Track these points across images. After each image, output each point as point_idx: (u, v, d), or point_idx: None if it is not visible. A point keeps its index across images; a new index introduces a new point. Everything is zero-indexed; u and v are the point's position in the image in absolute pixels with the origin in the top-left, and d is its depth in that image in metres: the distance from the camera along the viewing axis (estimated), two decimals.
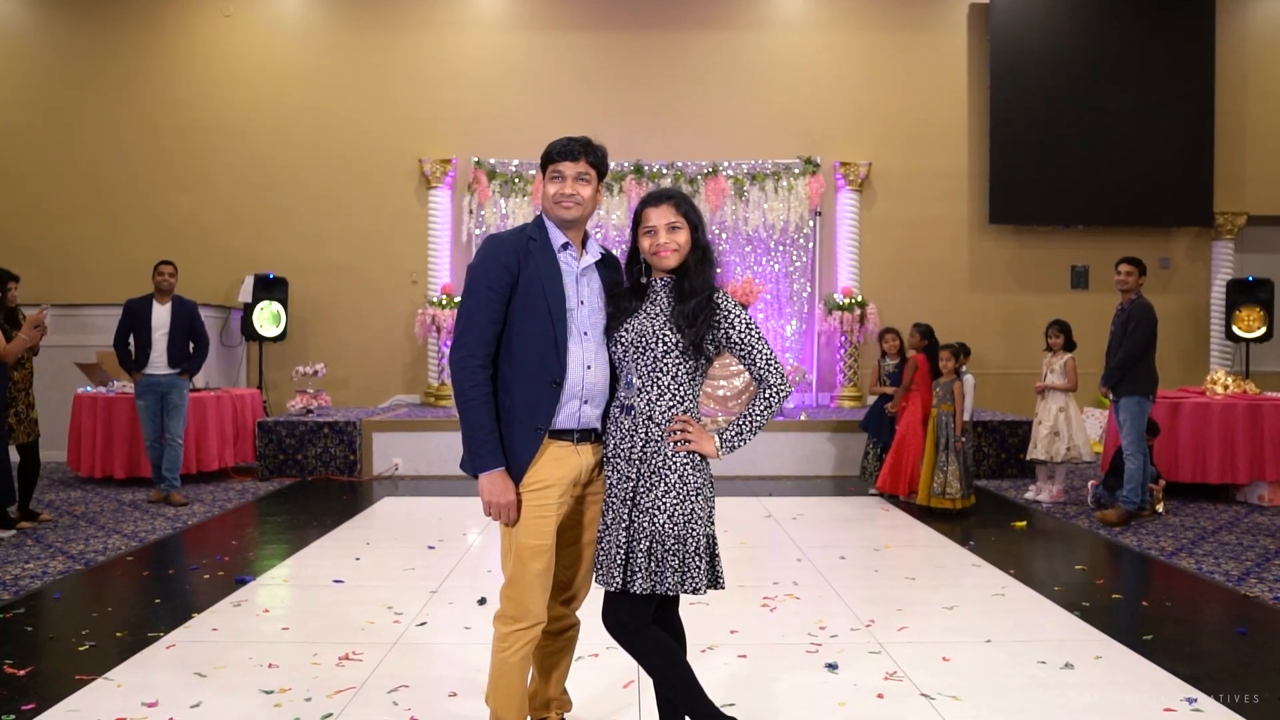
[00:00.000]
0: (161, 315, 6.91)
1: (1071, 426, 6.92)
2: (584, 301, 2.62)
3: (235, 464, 8.37)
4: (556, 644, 2.80)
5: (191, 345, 7.06)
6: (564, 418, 2.54)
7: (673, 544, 2.47)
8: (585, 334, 2.59)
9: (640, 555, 2.47)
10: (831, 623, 4.09)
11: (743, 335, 2.56)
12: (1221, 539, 5.86)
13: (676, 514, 2.48)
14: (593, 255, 2.68)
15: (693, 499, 2.50)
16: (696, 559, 2.49)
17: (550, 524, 2.53)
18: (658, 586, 2.47)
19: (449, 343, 9.39)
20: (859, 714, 3.13)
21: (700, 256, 2.58)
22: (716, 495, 2.65)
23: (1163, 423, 7.14)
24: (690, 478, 2.51)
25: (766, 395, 2.56)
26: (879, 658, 3.66)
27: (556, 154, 2.61)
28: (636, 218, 2.62)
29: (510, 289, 2.53)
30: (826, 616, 4.19)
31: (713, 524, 2.58)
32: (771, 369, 2.56)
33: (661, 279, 2.61)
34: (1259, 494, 7.04)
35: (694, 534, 2.49)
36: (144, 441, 7.09)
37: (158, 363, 6.90)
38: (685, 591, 2.49)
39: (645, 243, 2.58)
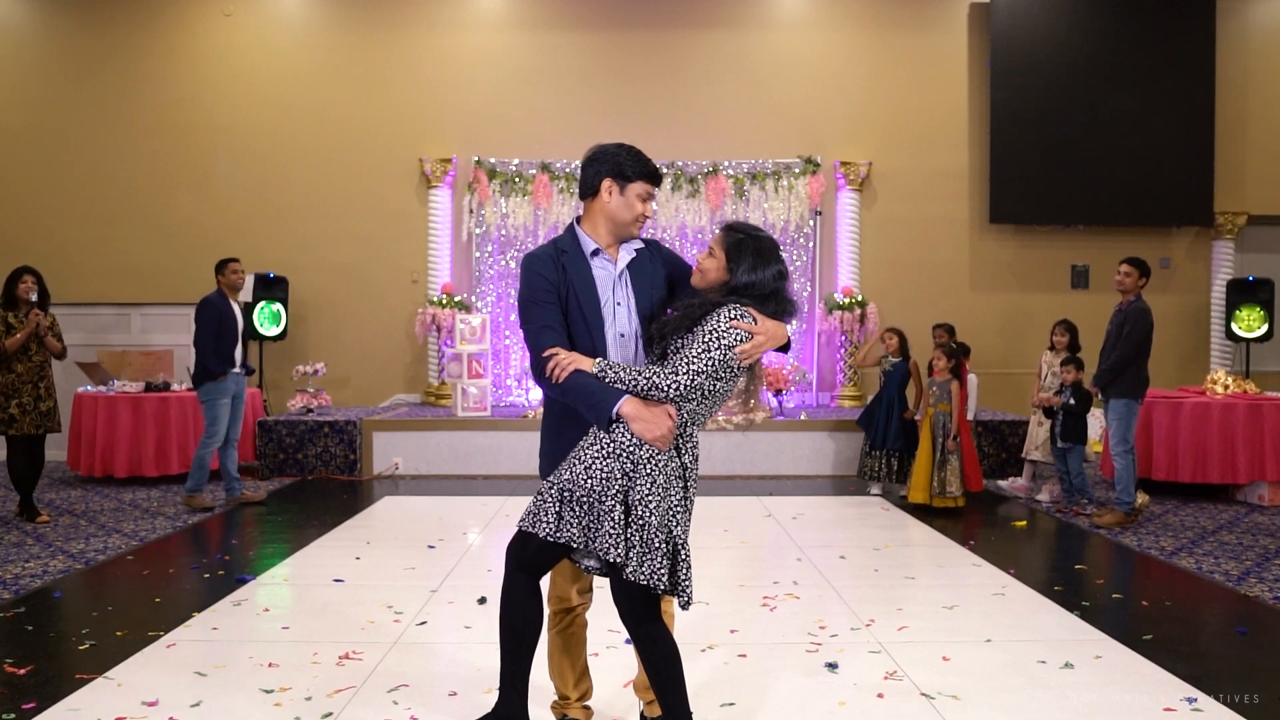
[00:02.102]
0: (238, 313, 6.82)
1: None
2: (621, 302, 2.65)
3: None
4: (565, 635, 2.86)
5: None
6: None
7: (582, 495, 2.50)
8: (622, 335, 2.63)
9: (551, 499, 2.52)
10: (831, 622, 4.09)
11: (696, 334, 2.49)
12: (1221, 539, 5.87)
13: (594, 468, 2.49)
14: (628, 254, 2.70)
15: (615, 460, 2.48)
16: (604, 520, 2.47)
17: None
18: (559, 534, 2.49)
19: (449, 342, 9.39)
20: (859, 713, 3.13)
21: (726, 291, 2.57)
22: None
23: (1163, 422, 7.15)
24: (625, 446, 2.48)
25: (652, 369, 2.48)
26: (879, 657, 3.66)
27: (650, 175, 2.64)
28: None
29: (558, 296, 2.59)
30: (826, 616, 4.19)
31: (678, 526, 2.53)
32: (679, 363, 2.46)
33: None
34: (1259, 494, 7.04)
35: (607, 492, 2.47)
36: (214, 445, 6.74)
37: (238, 362, 6.78)
38: (591, 549, 2.49)
39: (699, 255, 2.66)
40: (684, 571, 2.50)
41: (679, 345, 2.53)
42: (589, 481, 2.49)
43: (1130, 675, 3.47)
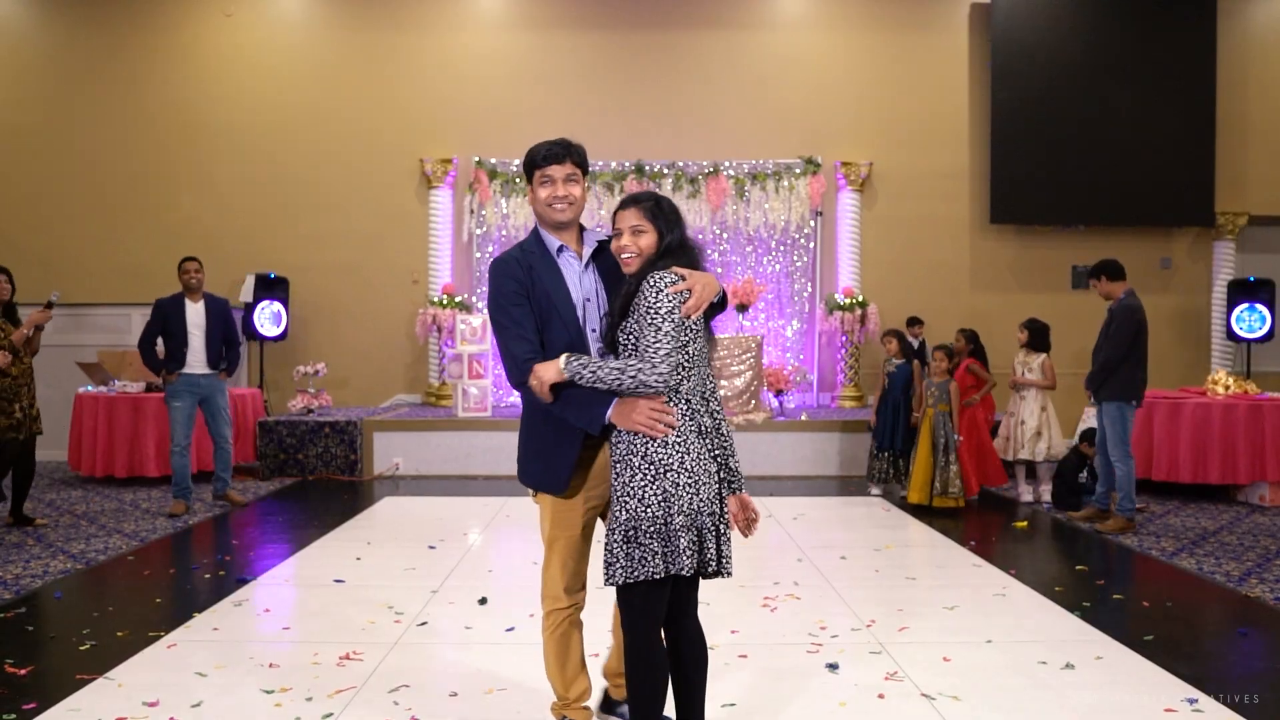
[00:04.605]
0: (196, 313, 6.65)
1: (1050, 426, 7.05)
2: (590, 298, 2.67)
3: (236, 464, 8.35)
4: (559, 636, 2.82)
5: (224, 345, 6.79)
6: None
7: (647, 525, 2.43)
8: (593, 330, 2.65)
9: (617, 545, 2.45)
10: (832, 623, 4.09)
11: (640, 319, 2.44)
12: (1222, 539, 5.86)
13: (648, 495, 2.44)
14: (590, 247, 2.73)
15: (663, 478, 2.44)
16: (679, 538, 2.42)
17: (574, 516, 2.67)
18: (635, 573, 2.42)
19: (450, 342, 9.40)
20: (860, 714, 3.13)
21: (657, 258, 2.53)
22: None
23: (1164, 423, 7.15)
24: (656, 457, 2.45)
25: (633, 365, 2.41)
26: (880, 658, 3.66)
27: (542, 159, 2.65)
28: (613, 220, 2.62)
29: (528, 299, 2.60)
30: (827, 616, 4.18)
31: (700, 506, 2.48)
32: (649, 355, 2.41)
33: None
34: (1260, 494, 7.03)
35: (670, 512, 2.43)
36: (170, 446, 6.68)
37: (195, 363, 6.60)
38: (670, 572, 2.42)
39: (614, 246, 2.60)
40: (727, 547, 2.61)
41: (629, 333, 2.48)
42: (674, 509, 2.45)
43: (1131, 676, 3.47)
